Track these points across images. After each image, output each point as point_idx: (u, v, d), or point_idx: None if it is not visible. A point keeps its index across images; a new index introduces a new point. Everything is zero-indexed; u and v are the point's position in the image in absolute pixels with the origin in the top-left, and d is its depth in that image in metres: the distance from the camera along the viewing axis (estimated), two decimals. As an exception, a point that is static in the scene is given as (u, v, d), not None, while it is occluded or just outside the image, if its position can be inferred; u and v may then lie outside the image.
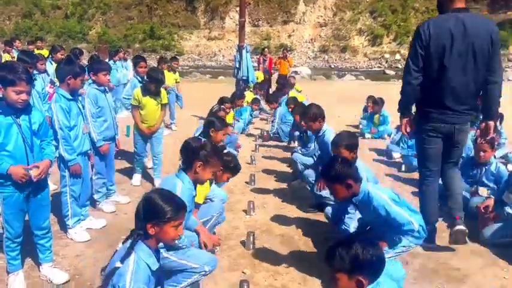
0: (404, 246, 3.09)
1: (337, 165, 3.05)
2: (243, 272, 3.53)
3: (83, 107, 4.16)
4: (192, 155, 3.12)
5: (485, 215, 4.10)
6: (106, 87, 4.62)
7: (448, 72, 3.35)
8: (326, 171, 3.16)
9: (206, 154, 3.12)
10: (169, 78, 8.82)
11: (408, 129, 3.70)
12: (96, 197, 4.63)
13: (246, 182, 5.92)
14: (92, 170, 4.51)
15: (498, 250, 3.86)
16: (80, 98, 4.18)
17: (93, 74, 4.42)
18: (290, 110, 7.55)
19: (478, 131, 3.73)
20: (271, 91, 13.56)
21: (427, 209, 3.73)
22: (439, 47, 3.33)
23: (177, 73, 9.85)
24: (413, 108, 3.76)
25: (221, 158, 3.72)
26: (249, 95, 10.56)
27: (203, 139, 3.75)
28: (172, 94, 9.21)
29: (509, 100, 13.38)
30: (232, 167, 4.09)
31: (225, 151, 6.12)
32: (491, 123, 3.50)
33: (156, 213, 2.13)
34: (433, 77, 3.42)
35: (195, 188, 3.17)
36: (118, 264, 2.06)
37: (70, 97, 3.82)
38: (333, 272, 2.01)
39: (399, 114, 3.76)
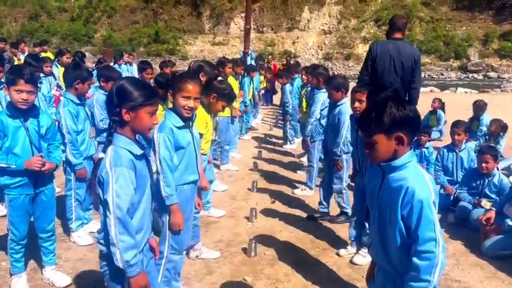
0: None
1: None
2: (244, 279, 3.54)
3: (90, 111, 4.20)
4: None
5: (486, 227, 4.10)
6: None
7: (387, 77, 4.98)
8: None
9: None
10: None
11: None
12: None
13: (249, 189, 5.94)
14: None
15: (499, 262, 3.86)
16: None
17: (103, 81, 4.46)
18: (303, 77, 7.46)
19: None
20: (275, 98, 13.65)
21: None
22: (381, 62, 4.98)
23: None
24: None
25: (215, 86, 3.74)
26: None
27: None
28: None
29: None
30: (226, 94, 3.89)
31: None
32: None
33: (131, 97, 2.04)
34: (378, 80, 4.96)
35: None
36: (101, 154, 2.04)
37: (78, 101, 3.87)
38: (369, 138, 1.88)
39: None
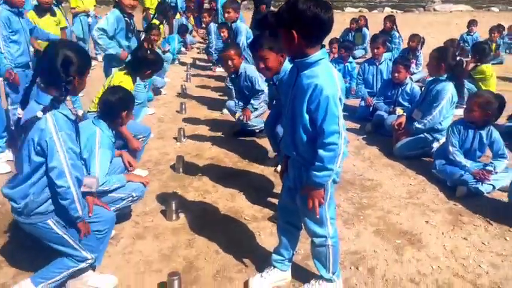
0: None
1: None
2: (173, 193, 3.63)
3: None
4: (116, 109, 3.02)
5: (398, 131, 4.45)
6: (21, 10, 4.25)
7: None
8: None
9: (129, 102, 3.13)
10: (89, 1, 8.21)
11: None
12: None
13: (177, 111, 5.89)
14: (7, 100, 4.24)
15: (407, 162, 4.26)
16: None
17: None
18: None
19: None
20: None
21: None
22: None
23: None
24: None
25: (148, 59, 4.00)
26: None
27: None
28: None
29: (432, 28, 13.97)
30: (158, 65, 4.15)
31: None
32: None
33: (81, 64, 2.12)
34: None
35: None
36: (40, 113, 2.00)
37: None
38: (277, 30, 1.95)
39: None
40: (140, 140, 3.78)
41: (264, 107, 4.82)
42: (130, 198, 2.97)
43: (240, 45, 5.58)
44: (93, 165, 2.74)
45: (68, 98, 2.20)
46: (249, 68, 4.64)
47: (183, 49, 10.43)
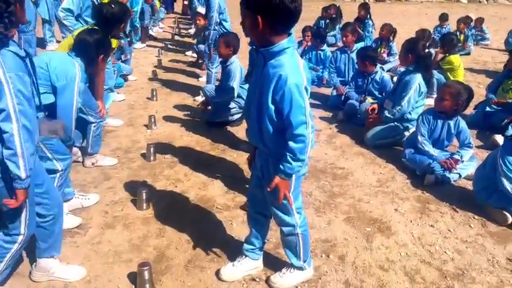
0: None
1: None
2: (144, 181, 3.56)
3: None
4: (93, 50, 3.01)
5: (370, 118, 4.51)
6: None
7: None
8: None
9: (107, 46, 3.17)
10: None
11: None
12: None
13: (148, 98, 5.77)
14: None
15: (378, 150, 4.32)
16: None
17: None
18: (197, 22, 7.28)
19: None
20: (176, 6, 12.87)
21: None
22: None
23: None
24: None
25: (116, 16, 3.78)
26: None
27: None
28: None
29: (403, 18, 14.18)
30: (124, 11, 3.96)
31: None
32: None
33: None
34: None
35: None
36: None
37: None
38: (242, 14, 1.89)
39: None
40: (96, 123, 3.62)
41: (237, 109, 4.83)
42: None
43: (213, 21, 5.49)
44: (71, 96, 2.71)
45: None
46: (235, 64, 4.63)
47: (154, 34, 10.22)
